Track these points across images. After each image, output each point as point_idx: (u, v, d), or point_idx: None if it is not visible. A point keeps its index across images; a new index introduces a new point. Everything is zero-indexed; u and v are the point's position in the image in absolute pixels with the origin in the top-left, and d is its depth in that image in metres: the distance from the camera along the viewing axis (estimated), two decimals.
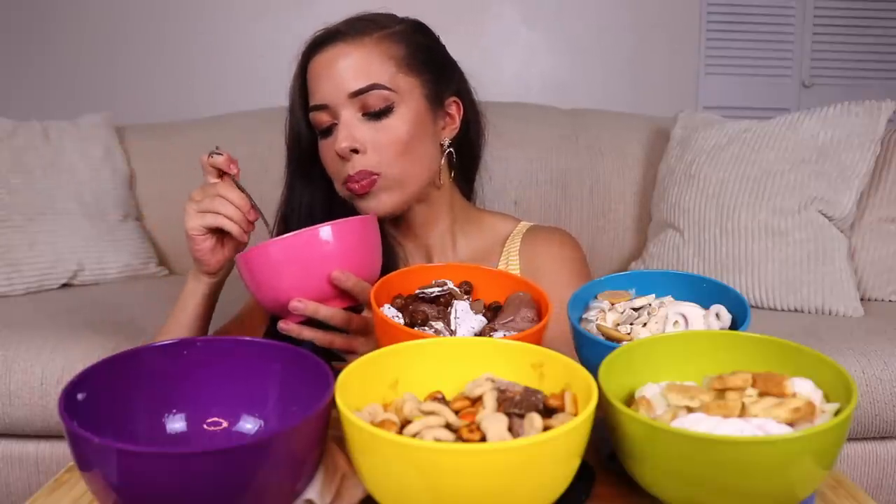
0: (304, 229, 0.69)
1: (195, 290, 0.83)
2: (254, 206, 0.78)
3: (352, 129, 0.84)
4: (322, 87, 0.86)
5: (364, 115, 0.85)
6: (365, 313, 0.75)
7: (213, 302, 0.85)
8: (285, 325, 0.71)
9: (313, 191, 0.94)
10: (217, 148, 0.79)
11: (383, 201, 0.86)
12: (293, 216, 0.94)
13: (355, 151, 0.84)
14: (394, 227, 0.96)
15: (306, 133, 0.91)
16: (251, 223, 0.78)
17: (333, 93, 0.85)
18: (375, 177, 0.85)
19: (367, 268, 0.72)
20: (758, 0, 2.47)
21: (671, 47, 2.47)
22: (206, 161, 0.78)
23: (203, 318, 0.84)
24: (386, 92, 0.85)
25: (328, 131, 0.87)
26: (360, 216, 0.74)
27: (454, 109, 0.94)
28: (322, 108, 0.86)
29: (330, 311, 0.70)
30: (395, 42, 0.87)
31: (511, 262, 0.95)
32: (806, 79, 2.51)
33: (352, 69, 0.84)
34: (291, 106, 0.92)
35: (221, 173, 0.79)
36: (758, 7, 2.47)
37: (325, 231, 0.69)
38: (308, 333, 0.71)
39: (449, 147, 0.93)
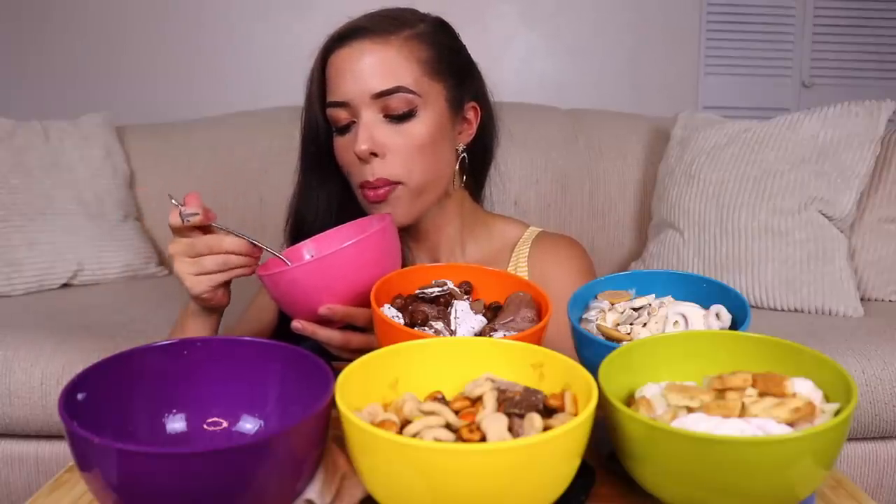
0: (332, 252, 0.67)
1: (200, 330, 0.80)
2: (253, 243, 0.73)
3: (372, 130, 0.82)
4: (344, 83, 0.83)
5: (385, 116, 0.83)
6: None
7: (218, 328, 0.82)
8: (325, 333, 0.70)
9: (330, 186, 0.91)
10: (176, 201, 0.71)
11: (399, 213, 0.84)
12: (310, 212, 0.91)
13: (374, 155, 0.82)
14: (403, 230, 0.94)
15: (324, 128, 0.88)
16: (257, 258, 0.74)
17: (355, 91, 0.82)
18: (393, 186, 0.83)
19: (393, 268, 0.71)
20: (758, 0, 2.47)
21: (671, 47, 2.47)
22: (179, 223, 0.71)
23: None
24: (410, 95, 0.82)
25: (345, 129, 0.85)
26: (379, 224, 0.72)
27: (472, 115, 0.92)
28: (342, 104, 0.84)
29: (368, 315, 0.69)
30: (421, 43, 0.85)
31: (520, 268, 0.94)
32: (806, 79, 2.51)
33: (377, 69, 0.82)
34: (308, 99, 0.89)
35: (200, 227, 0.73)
36: (758, 7, 2.47)
37: (355, 248, 0.67)
38: (355, 339, 0.70)
39: (463, 152, 0.91)
